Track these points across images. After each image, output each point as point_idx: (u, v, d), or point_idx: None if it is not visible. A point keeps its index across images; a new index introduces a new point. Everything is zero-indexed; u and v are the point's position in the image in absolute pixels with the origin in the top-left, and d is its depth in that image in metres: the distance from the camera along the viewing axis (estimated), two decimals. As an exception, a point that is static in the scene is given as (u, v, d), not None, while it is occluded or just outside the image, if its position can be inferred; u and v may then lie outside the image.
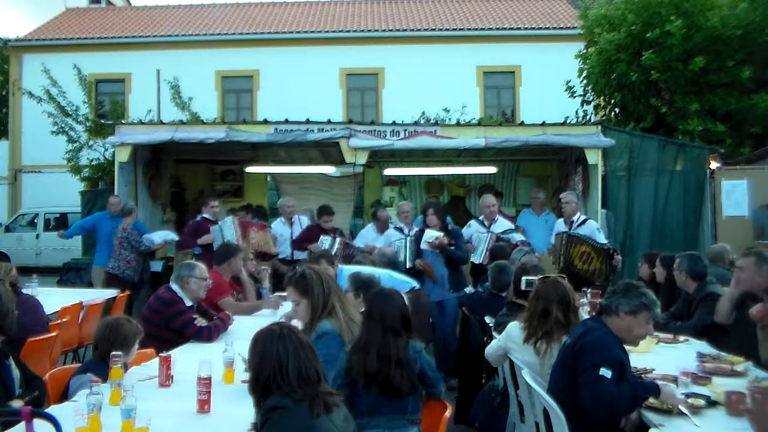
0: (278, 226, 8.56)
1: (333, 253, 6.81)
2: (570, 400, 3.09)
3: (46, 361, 4.55)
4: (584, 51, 12.73)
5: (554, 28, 19.55)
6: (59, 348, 5.28)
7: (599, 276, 6.74)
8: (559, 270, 6.77)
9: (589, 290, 5.52)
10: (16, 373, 3.39)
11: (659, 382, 3.15)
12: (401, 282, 5.22)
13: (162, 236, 8.57)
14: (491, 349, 4.16)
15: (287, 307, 5.02)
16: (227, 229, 7.49)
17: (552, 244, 7.36)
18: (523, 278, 4.53)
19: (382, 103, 19.55)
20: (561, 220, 7.63)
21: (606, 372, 2.99)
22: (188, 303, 4.71)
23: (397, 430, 3.16)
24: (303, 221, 8.56)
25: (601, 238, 7.21)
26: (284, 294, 5.61)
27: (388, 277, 5.18)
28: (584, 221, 7.36)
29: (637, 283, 3.38)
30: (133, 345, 3.60)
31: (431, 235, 6.88)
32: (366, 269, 5.36)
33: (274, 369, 2.33)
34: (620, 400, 2.98)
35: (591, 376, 3.01)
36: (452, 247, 6.90)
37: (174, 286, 4.75)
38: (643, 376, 3.54)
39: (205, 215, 8.02)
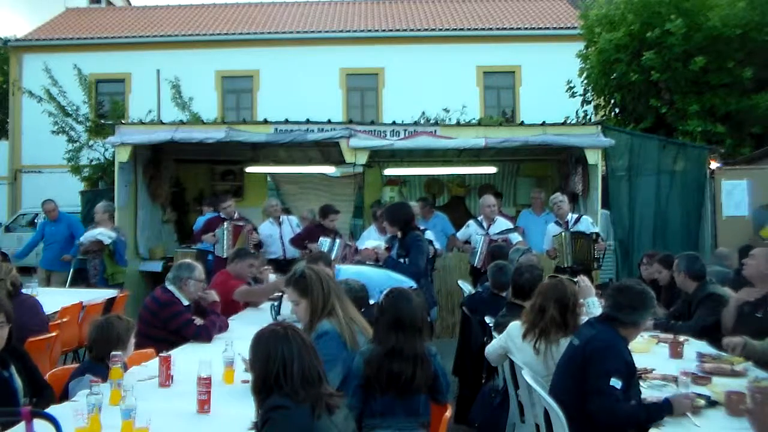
0: (266, 227, 8.60)
1: (333, 256, 6.83)
2: (572, 400, 3.11)
3: (46, 361, 4.55)
4: (584, 51, 12.73)
5: (554, 28, 19.55)
6: (59, 348, 5.28)
7: (587, 262, 7.06)
8: (566, 267, 6.98)
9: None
10: (18, 383, 3.34)
11: (670, 396, 3.08)
12: (399, 282, 5.18)
13: (89, 235, 8.24)
14: (491, 348, 4.17)
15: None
16: (222, 235, 7.85)
17: (552, 247, 7.37)
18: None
19: (382, 103, 19.54)
20: (551, 224, 7.62)
21: (616, 383, 3.04)
22: (185, 303, 4.70)
23: (408, 431, 3.17)
24: (292, 221, 8.62)
25: (593, 230, 7.45)
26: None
27: (386, 277, 5.16)
28: (579, 218, 7.45)
29: (646, 288, 3.39)
30: (129, 341, 3.59)
31: (369, 244, 6.15)
32: (365, 269, 5.36)
33: (278, 370, 2.33)
34: (629, 418, 3.01)
35: (602, 385, 3.05)
36: (402, 260, 5.71)
37: (170, 287, 4.71)
38: (643, 376, 3.55)
39: (221, 213, 8.23)
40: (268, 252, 8.44)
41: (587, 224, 7.43)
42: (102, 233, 8.19)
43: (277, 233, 8.45)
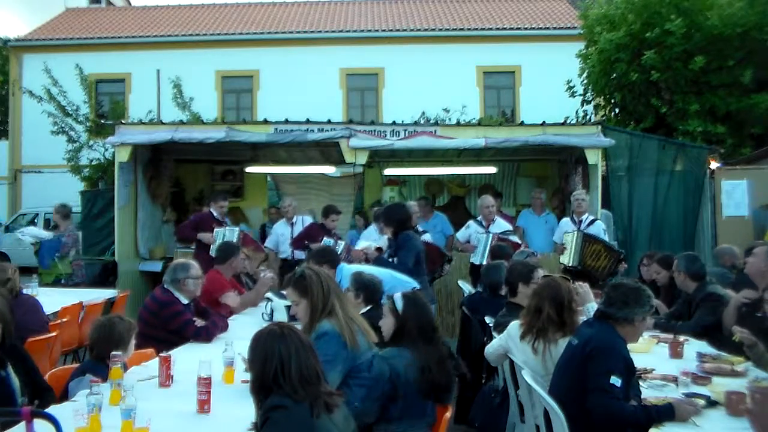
0: (279, 226, 8.64)
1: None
2: (572, 400, 3.11)
3: (46, 361, 4.55)
4: (584, 51, 12.73)
5: (554, 28, 19.56)
6: (59, 348, 5.28)
7: (601, 274, 6.98)
8: (570, 266, 7.00)
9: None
10: (15, 383, 3.34)
11: (672, 401, 3.05)
12: (402, 282, 5.19)
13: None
14: (491, 347, 4.17)
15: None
16: (221, 237, 7.52)
17: (560, 244, 7.38)
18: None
19: (382, 103, 19.55)
20: (566, 219, 7.69)
21: (616, 381, 3.03)
22: (185, 302, 4.70)
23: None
24: (306, 221, 8.60)
25: (604, 237, 7.43)
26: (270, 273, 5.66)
27: (389, 276, 5.15)
28: (592, 221, 7.49)
29: (642, 286, 3.39)
30: (130, 342, 3.60)
31: (359, 246, 6.20)
32: (368, 268, 5.35)
33: (276, 369, 2.34)
34: (628, 417, 3.00)
35: (601, 383, 3.04)
36: (392, 259, 5.81)
37: (169, 287, 4.71)
38: (643, 376, 3.55)
39: (212, 210, 8.02)
40: (279, 252, 8.49)
41: (599, 230, 7.44)
42: (25, 232, 8.34)
43: (288, 233, 8.46)
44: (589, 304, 4.34)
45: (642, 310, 3.27)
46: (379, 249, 6.27)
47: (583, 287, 4.51)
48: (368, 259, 5.87)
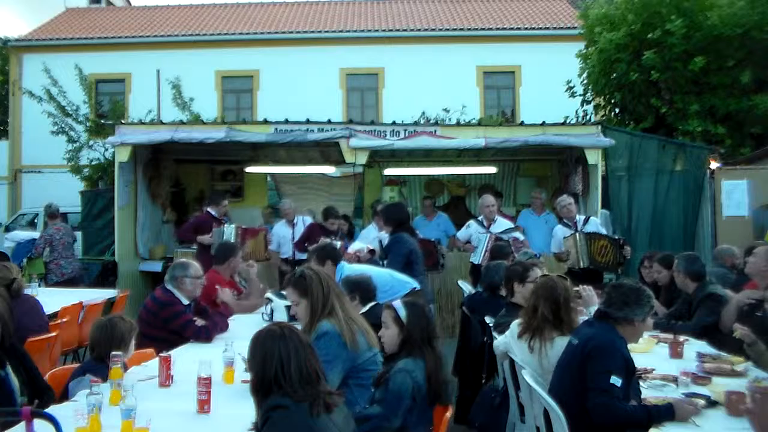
0: (280, 227, 8.68)
1: None
2: (572, 400, 3.10)
3: (46, 361, 4.55)
4: (584, 51, 12.73)
5: (554, 28, 19.54)
6: (59, 348, 5.28)
7: (612, 266, 7.09)
8: (581, 268, 6.97)
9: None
10: (15, 382, 3.34)
11: (672, 401, 3.05)
12: (401, 281, 5.19)
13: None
14: (498, 342, 4.18)
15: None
16: (228, 237, 7.52)
17: (563, 249, 7.31)
18: None
19: (382, 103, 19.53)
20: (559, 226, 7.56)
21: (616, 380, 3.03)
22: (185, 302, 4.70)
23: None
24: (306, 221, 8.62)
25: (603, 232, 7.46)
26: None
27: (388, 276, 5.16)
28: (587, 219, 7.46)
29: (642, 286, 3.39)
30: (130, 342, 3.60)
31: (352, 248, 6.25)
32: (368, 268, 5.35)
33: (276, 369, 2.34)
34: (628, 417, 2.99)
35: (601, 382, 3.04)
36: (383, 262, 5.88)
37: (169, 287, 4.72)
38: (643, 376, 3.55)
39: (211, 211, 7.99)
40: (281, 252, 8.55)
41: (596, 225, 7.42)
42: (8, 237, 8.51)
43: (289, 234, 8.50)
44: (592, 307, 4.34)
45: (642, 310, 3.27)
46: (371, 251, 6.28)
47: (586, 290, 4.51)
48: (360, 261, 5.87)
